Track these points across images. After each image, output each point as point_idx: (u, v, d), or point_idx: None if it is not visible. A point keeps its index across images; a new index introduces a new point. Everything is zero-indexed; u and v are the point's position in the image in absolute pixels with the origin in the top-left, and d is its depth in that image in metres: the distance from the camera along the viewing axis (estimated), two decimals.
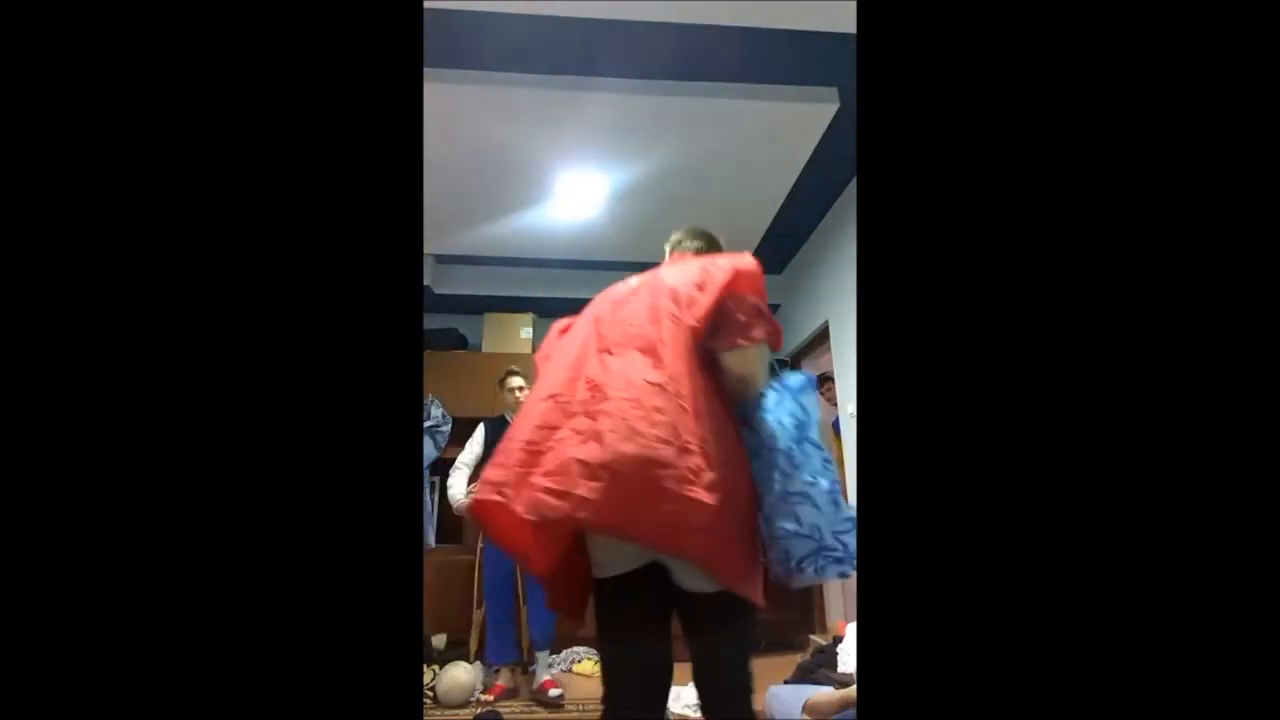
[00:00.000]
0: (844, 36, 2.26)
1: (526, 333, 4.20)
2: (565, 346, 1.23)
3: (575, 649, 3.41)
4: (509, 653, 2.91)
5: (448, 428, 3.68)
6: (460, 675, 2.80)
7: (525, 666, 3.00)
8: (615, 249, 3.83)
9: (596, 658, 3.34)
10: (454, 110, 2.56)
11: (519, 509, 1.02)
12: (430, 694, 2.78)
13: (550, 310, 4.29)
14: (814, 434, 1.08)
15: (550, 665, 3.02)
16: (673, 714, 1.18)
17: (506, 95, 2.52)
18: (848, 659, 2.06)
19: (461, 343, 4.26)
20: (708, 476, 0.97)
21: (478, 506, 1.14)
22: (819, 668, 2.12)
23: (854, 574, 1.07)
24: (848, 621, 2.95)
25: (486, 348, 4.17)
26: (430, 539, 3.67)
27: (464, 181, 3.09)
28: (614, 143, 2.83)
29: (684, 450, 0.98)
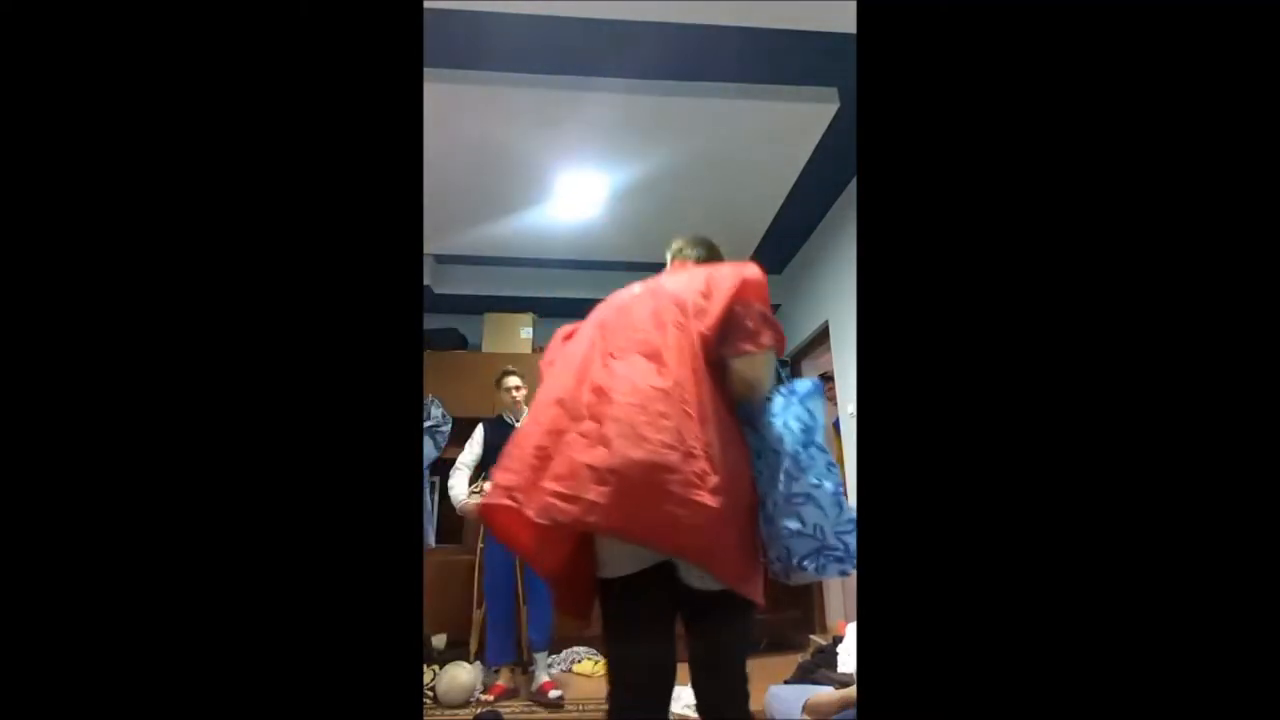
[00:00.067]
0: (844, 36, 2.26)
1: (526, 333, 4.20)
2: (570, 352, 1.25)
3: (575, 649, 3.41)
4: (509, 653, 2.91)
5: (448, 428, 3.68)
6: (460, 675, 2.80)
7: (525, 667, 3.00)
8: (615, 249, 3.83)
9: (597, 658, 3.35)
10: (454, 110, 2.56)
11: (530, 513, 1.05)
12: (430, 694, 2.78)
13: (550, 310, 4.30)
14: (820, 438, 1.11)
15: (550, 666, 3.02)
16: (673, 714, 1.21)
17: (506, 95, 2.52)
18: (848, 659, 2.06)
19: (461, 343, 4.26)
20: (712, 480, 1.01)
21: (488, 510, 1.17)
22: (819, 668, 2.12)
23: (853, 572, 1.09)
24: (848, 621, 2.95)
25: (486, 348, 4.17)
26: (430, 539, 3.67)
27: (464, 181, 3.09)
28: (614, 143, 2.83)
29: (689, 455, 1.01)
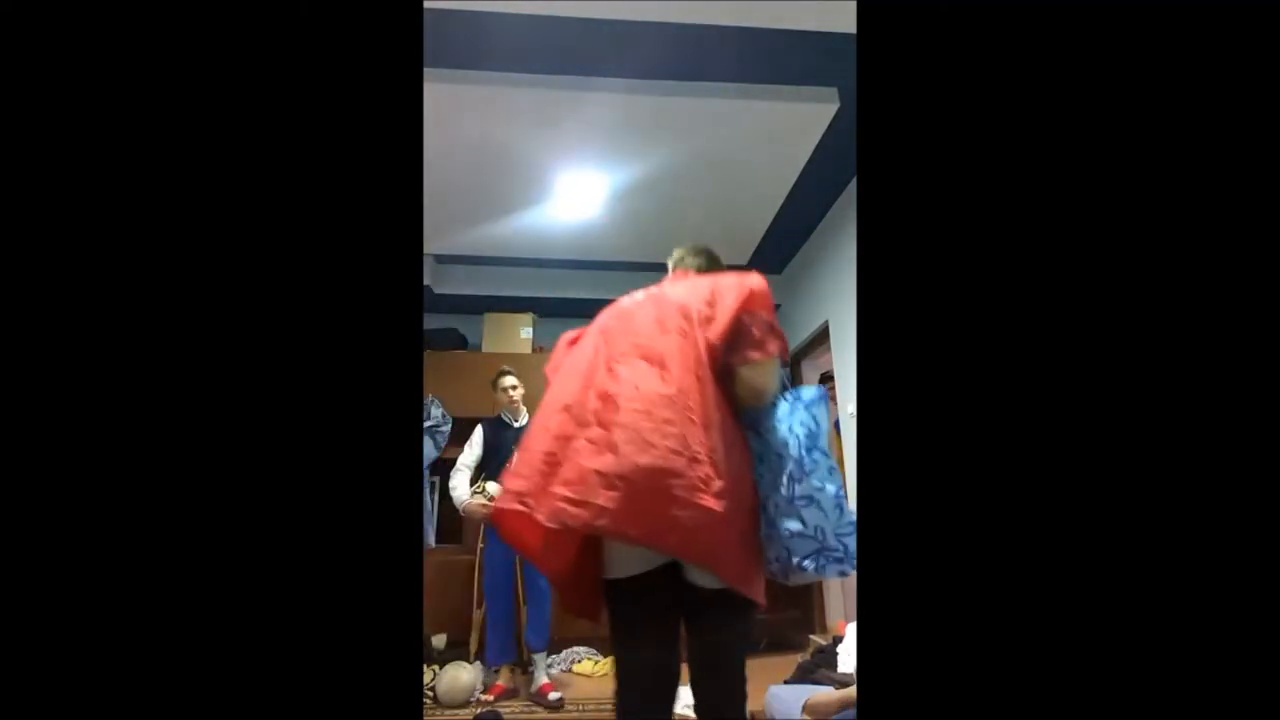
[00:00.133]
0: (844, 36, 2.26)
1: (526, 333, 4.20)
2: (575, 358, 1.29)
3: (575, 649, 3.41)
4: (509, 653, 2.91)
5: (448, 428, 3.69)
6: (460, 675, 2.80)
7: (525, 667, 3.00)
8: (615, 249, 3.83)
9: (597, 658, 3.35)
10: (454, 110, 2.56)
11: (541, 517, 1.10)
12: (430, 694, 2.78)
13: (550, 310, 4.30)
14: (823, 443, 1.15)
15: (549, 666, 3.02)
16: (674, 714, 1.24)
17: (506, 95, 2.52)
18: (848, 659, 2.06)
19: (461, 343, 4.26)
20: (716, 484, 1.05)
21: (500, 514, 1.22)
22: (819, 668, 2.12)
23: (852, 573, 1.13)
24: (848, 621, 2.95)
25: (486, 348, 4.17)
26: (430, 539, 3.67)
27: (464, 181, 3.09)
28: (614, 143, 2.83)
29: (693, 460, 1.05)
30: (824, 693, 1.86)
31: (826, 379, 3.90)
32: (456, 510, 2.99)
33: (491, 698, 2.78)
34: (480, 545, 3.22)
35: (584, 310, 4.28)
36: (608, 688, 3.01)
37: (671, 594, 1.17)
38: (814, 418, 1.17)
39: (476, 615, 3.24)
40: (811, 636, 3.41)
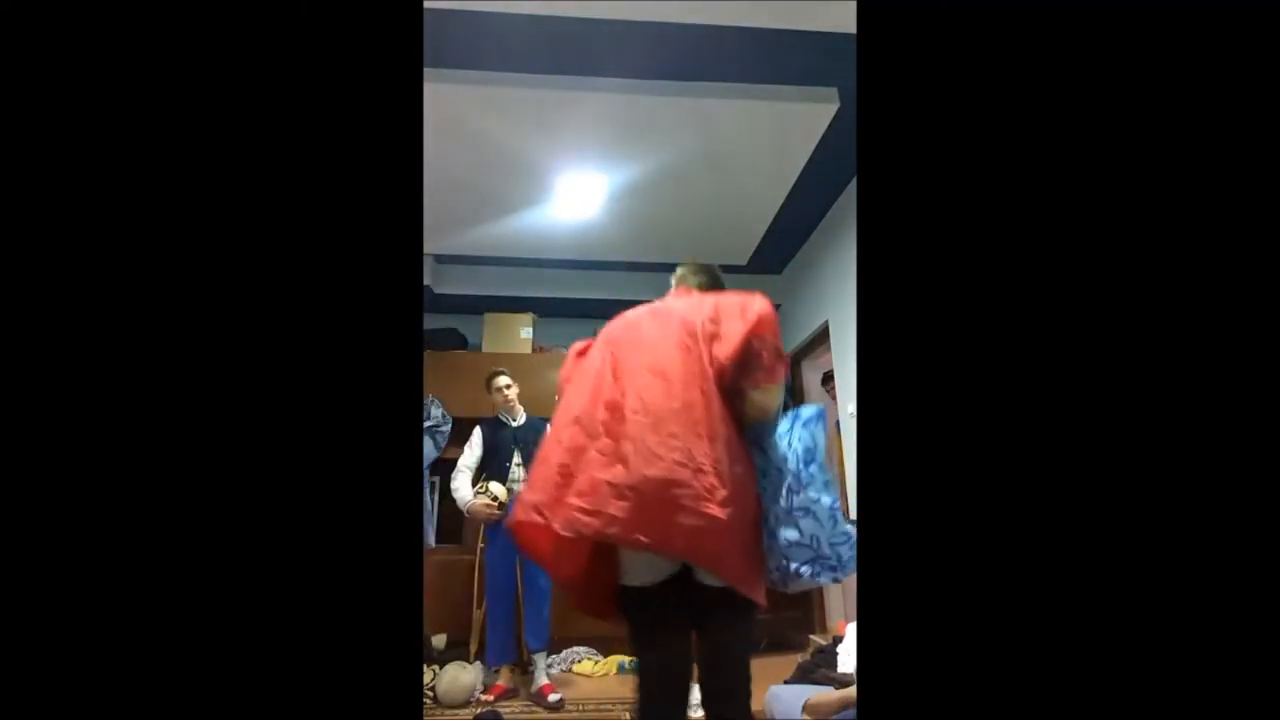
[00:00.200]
0: (844, 36, 2.25)
1: (526, 333, 4.20)
2: (584, 371, 1.35)
3: (575, 649, 3.41)
4: (509, 653, 2.91)
5: (448, 428, 3.69)
6: (460, 675, 2.80)
7: (525, 667, 3.00)
8: (615, 249, 3.83)
9: (597, 657, 3.35)
10: (454, 110, 2.56)
11: (557, 527, 1.17)
12: (430, 694, 2.78)
13: (550, 310, 4.30)
14: (820, 458, 1.23)
15: (549, 666, 3.02)
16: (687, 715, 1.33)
17: (506, 95, 2.52)
18: (848, 659, 2.06)
19: (461, 343, 4.26)
20: (720, 493, 1.12)
21: (517, 526, 1.28)
22: (819, 668, 2.11)
23: (844, 580, 1.24)
24: (848, 621, 2.95)
25: (486, 348, 4.17)
26: (430, 539, 3.67)
27: (464, 181, 3.08)
28: (614, 143, 2.83)
29: (698, 471, 1.12)
30: (824, 693, 1.86)
31: (827, 379, 3.90)
32: (457, 510, 2.99)
33: (491, 698, 2.78)
34: (480, 545, 3.22)
35: (584, 310, 4.33)
36: (608, 688, 3.03)
37: (684, 600, 1.23)
38: (811, 434, 1.24)
39: (476, 615, 3.24)
40: (811, 636, 3.41)
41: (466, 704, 2.73)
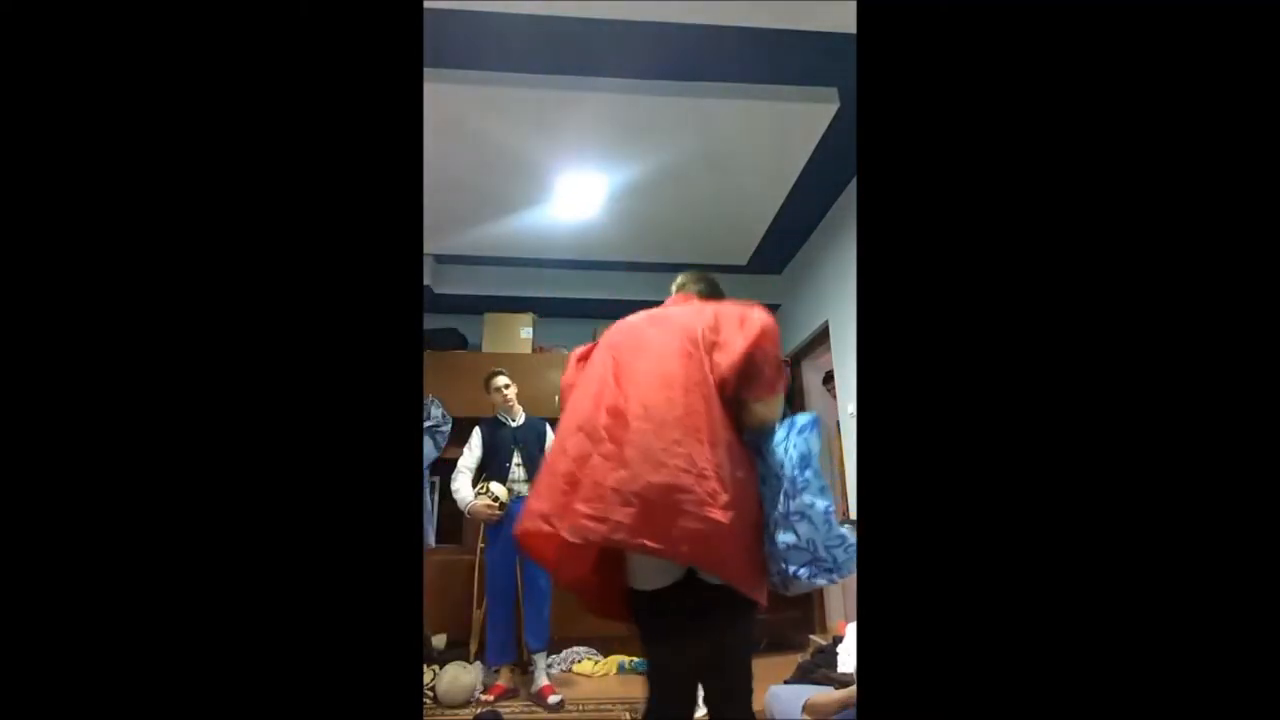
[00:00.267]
0: (844, 36, 2.25)
1: (526, 333, 4.20)
2: (586, 377, 1.38)
3: (575, 649, 3.41)
4: (509, 653, 2.91)
5: (448, 428, 3.69)
6: (460, 675, 2.80)
7: (525, 667, 3.00)
8: (615, 249, 3.83)
9: (597, 657, 3.35)
10: (454, 110, 2.56)
11: (565, 533, 1.20)
12: (430, 694, 2.78)
13: (550, 310, 4.30)
14: (815, 464, 1.28)
15: (549, 666, 3.01)
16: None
17: (506, 95, 2.52)
18: (848, 659, 2.06)
19: (461, 343, 4.26)
20: (722, 498, 1.15)
21: (524, 534, 1.31)
22: (819, 668, 2.11)
23: (841, 581, 1.28)
24: (848, 621, 2.95)
25: (486, 348, 4.17)
26: (430, 539, 3.67)
27: (464, 181, 3.08)
28: (614, 143, 2.83)
29: (701, 476, 1.16)
30: (824, 693, 1.86)
31: (827, 379, 3.90)
32: (457, 510, 2.99)
33: (491, 698, 2.78)
34: (480, 545, 3.22)
35: (584, 310, 4.32)
36: (608, 688, 3.03)
37: (690, 603, 1.26)
38: (806, 441, 1.29)
39: (476, 615, 3.24)
40: (811, 636, 3.41)
41: (466, 704, 2.73)
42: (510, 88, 2.49)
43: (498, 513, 2.85)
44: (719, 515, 1.14)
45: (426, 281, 3.98)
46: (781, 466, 1.28)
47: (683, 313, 1.39)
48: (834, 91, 2.60)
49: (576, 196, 3.26)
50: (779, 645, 3.39)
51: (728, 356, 1.25)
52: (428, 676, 2.89)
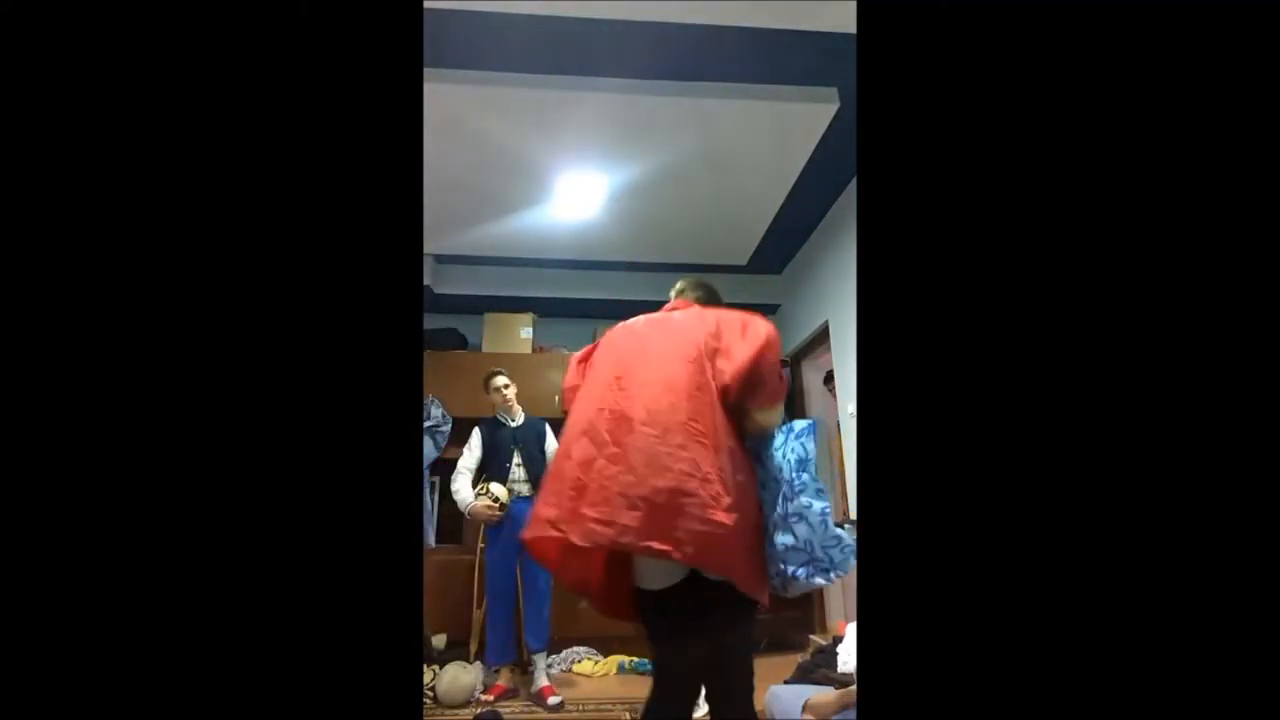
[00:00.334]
0: (844, 36, 2.25)
1: (526, 333, 4.19)
2: (591, 381, 1.41)
3: (575, 649, 3.41)
4: (509, 653, 2.91)
5: (448, 428, 3.69)
6: (460, 675, 2.80)
7: (525, 667, 3.00)
8: (615, 249, 3.83)
9: (596, 657, 3.35)
10: (454, 110, 2.56)
11: (575, 539, 1.24)
12: (430, 694, 2.78)
13: (550, 310, 4.30)
14: (812, 468, 1.32)
15: (549, 667, 3.01)
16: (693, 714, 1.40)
17: (506, 95, 2.51)
18: (848, 659, 2.06)
19: (461, 343, 4.26)
20: (726, 501, 1.19)
21: (534, 542, 1.36)
22: (819, 668, 2.11)
23: (837, 580, 1.32)
24: (848, 621, 2.95)
25: (486, 348, 4.17)
26: (430, 539, 3.67)
27: (464, 181, 3.08)
28: (614, 143, 2.83)
29: (704, 480, 1.19)
30: (824, 693, 1.86)
31: (828, 379, 3.90)
32: (457, 510, 2.99)
33: (491, 698, 2.78)
34: (480, 545, 3.22)
35: (584, 310, 4.33)
36: (608, 688, 3.03)
37: (693, 602, 1.29)
38: (803, 445, 1.33)
39: (476, 615, 3.24)
40: (811, 636, 3.41)
41: (466, 704, 2.73)
42: (510, 88, 2.49)
43: (498, 514, 2.85)
44: (723, 517, 1.17)
45: (426, 281, 3.97)
46: (780, 470, 1.31)
47: (685, 319, 1.42)
48: (834, 91, 2.60)
49: (576, 196, 3.26)
50: (779, 645, 3.39)
51: (732, 364, 1.29)
52: (428, 676, 2.89)
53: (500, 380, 3.03)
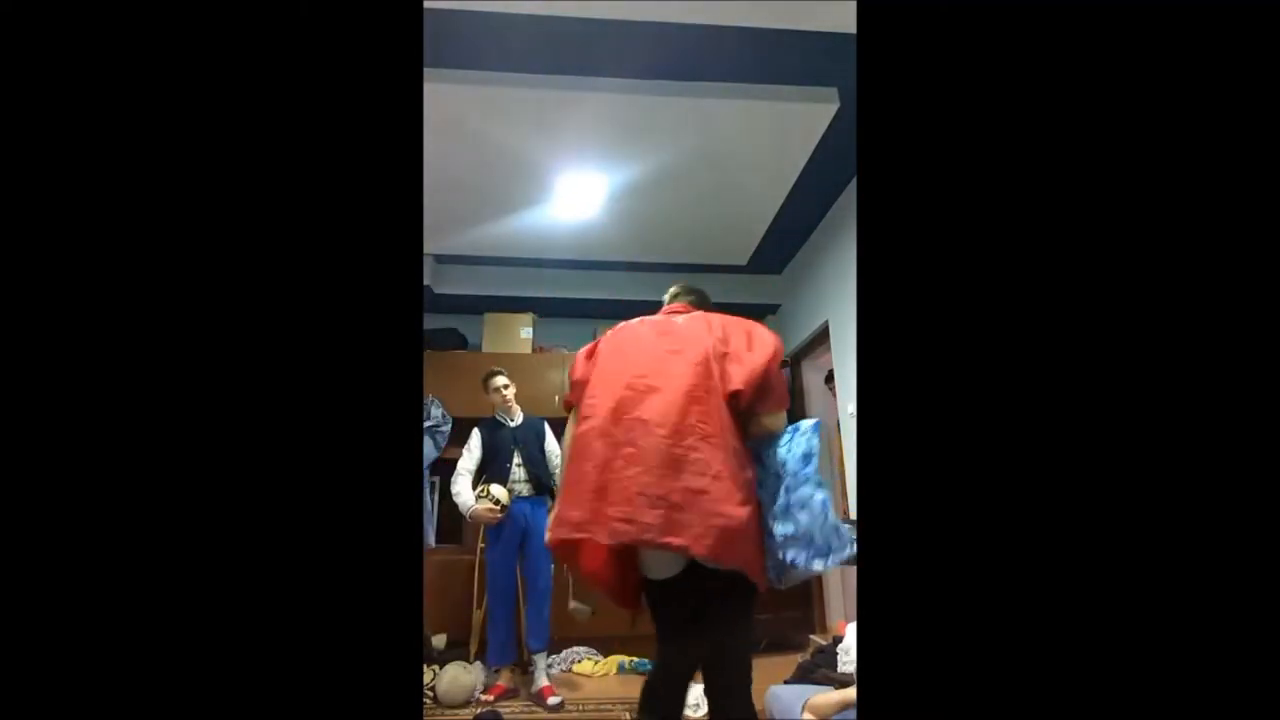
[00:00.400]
0: (844, 36, 2.25)
1: (526, 333, 4.19)
2: (599, 384, 1.47)
3: (575, 649, 3.41)
4: (509, 654, 2.91)
5: (448, 428, 3.68)
6: (460, 675, 2.80)
7: (525, 667, 3.00)
8: (615, 249, 3.83)
9: (596, 657, 3.35)
10: (454, 110, 2.56)
11: (603, 540, 1.33)
12: (430, 694, 2.78)
13: (550, 310, 4.30)
14: (816, 462, 1.40)
15: (549, 667, 3.01)
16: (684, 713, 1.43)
17: (506, 95, 2.51)
18: (848, 659, 2.06)
19: (461, 343, 4.26)
20: (738, 496, 1.29)
21: (558, 545, 1.45)
22: (819, 668, 2.11)
23: (834, 566, 1.38)
24: (848, 621, 2.95)
25: (486, 348, 4.17)
26: (430, 539, 3.67)
27: (464, 181, 3.08)
28: (614, 143, 2.83)
29: (717, 478, 1.28)
30: (824, 693, 1.86)
31: (829, 379, 3.90)
32: (457, 510, 2.99)
33: (491, 698, 2.78)
34: (480, 545, 3.22)
35: (584, 310, 4.33)
36: (608, 688, 3.02)
37: (693, 591, 1.39)
38: (808, 441, 1.41)
39: (476, 615, 3.24)
40: (811, 636, 3.41)
41: (466, 704, 2.73)
42: (510, 88, 2.48)
43: (499, 516, 2.84)
44: (738, 512, 1.26)
45: (426, 281, 3.97)
46: (783, 465, 1.39)
47: (689, 323, 1.50)
48: (834, 91, 2.59)
49: (576, 196, 3.26)
50: (779, 645, 3.38)
51: (745, 371, 1.38)
52: (428, 676, 2.89)
53: (500, 380, 3.03)
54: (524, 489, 2.93)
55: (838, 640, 2.27)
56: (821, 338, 3.75)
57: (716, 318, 1.51)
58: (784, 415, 1.48)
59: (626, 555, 1.47)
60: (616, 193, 3.22)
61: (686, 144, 2.82)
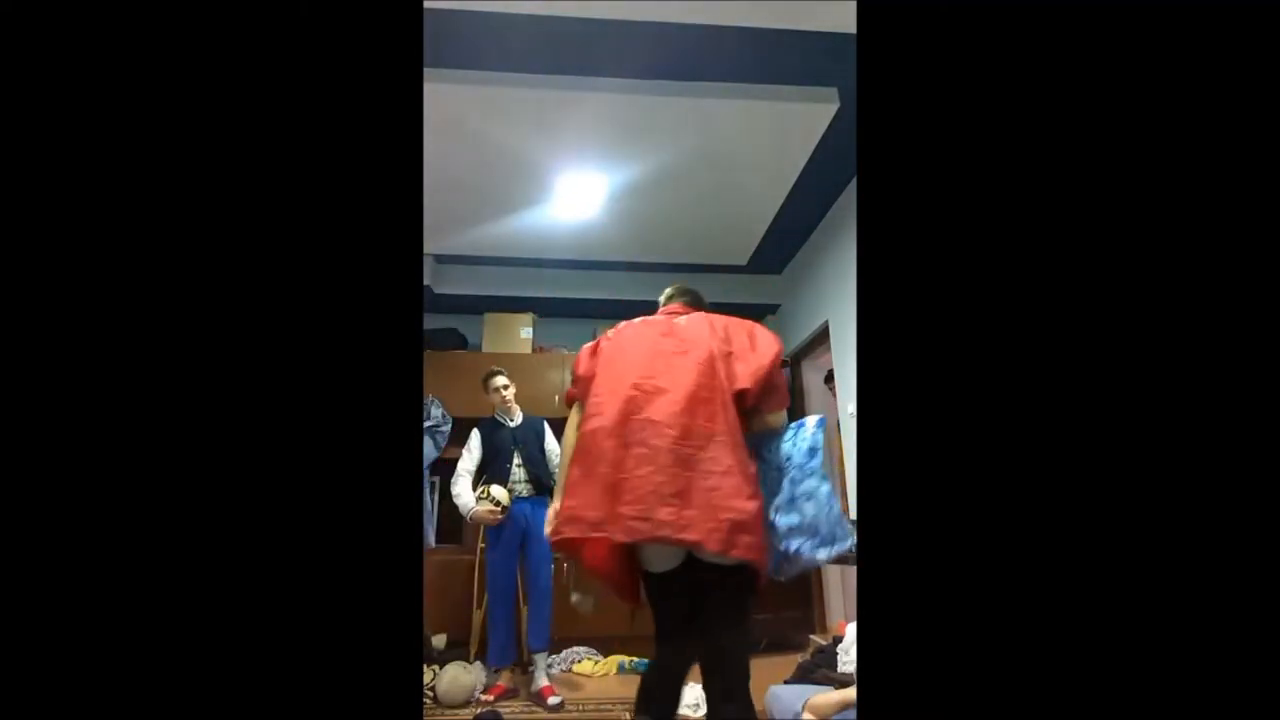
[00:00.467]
0: (844, 36, 2.25)
1: (526, 333, 4.20)
2: (604, 382, 1.50)
3: (575, 649, 3.41)
4: (509, 654, 2.90)
5: (448, 428, 3.68)
6: (460, 675, 2.80)
7: (525, 667, 3.00)
8: (615, 249, 3.83)
9: (596, 657, 3.35)
10: (454, 110, 2.56)
11: (619, 537, 1.36)
12: (430, 694, 2.78)
13: (550, 310, 4.30)
14: (821, 457, 1.45)
15: (549, 667, 3.01)
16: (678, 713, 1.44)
17: (506, 95, 2.51)
18: (848, 659, 2.06)
19: (461, 343, 4.26)
20: (747, 490, 1.33)
21: (565, 544, 1.48)
22: (819, 668, 2.11)
23: (836, 555, 1.40)
24: (848, 621, 2.95)
25: (486, 348, 4.17)
26: (430, 539, 3.67)
27: (464, 181, 3.08)
28: (614, 143, 2.83)
29: (726, 474, 1.33)
30: (824, 693, 1.86)
31: (829, 379, 3.90)
32: (457, 510, 2.99)
33: (491, 698, 2.78)
34: (480, 545, 3.22)
35: (584, 310, 4.33)
36: (608, 688, 3.03)
37: (691, 581, 1.42)
38: (814, 437, 1.46)
39: (476, 615, 3.24)
40: (811, 636, 3.41)
41: (466, 704, 2.73)
42: (510, 88, 2.48)
43: (499, 517, 2.84)
44: (748, 504, 1.31)
45: (426, 281, 3.97)
46: (788, 459, 1.45)
47: (691, 324, 1.54)
48: (834, 91, 2.59)
49: (576, 196, 3.26)
50: (779, 645, 3.39)
51: (749, 370, 1.42)
52: (428, 676, 2.89)
53: (499, 380, 3.03)
54: (524, 489, 2.93)
55: (838, 640, 2.27)
56: (821, 338, 3.75)
57: (717, 318, 1.55)
58: (785, 413, 1.52)
59: (629, 549, 1.49)
60: (616, 193, 3.22)
61: (686, 144, 2.82)
